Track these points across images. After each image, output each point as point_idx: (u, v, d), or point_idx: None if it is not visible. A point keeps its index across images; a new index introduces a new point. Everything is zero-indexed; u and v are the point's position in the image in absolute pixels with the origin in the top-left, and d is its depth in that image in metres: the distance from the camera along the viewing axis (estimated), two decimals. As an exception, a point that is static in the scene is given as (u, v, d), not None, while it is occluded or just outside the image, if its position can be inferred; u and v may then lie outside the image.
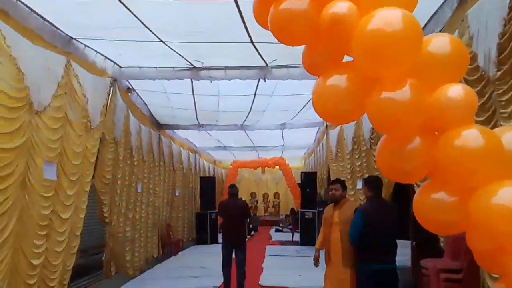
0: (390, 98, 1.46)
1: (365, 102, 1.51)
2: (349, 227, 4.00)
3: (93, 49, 5.26)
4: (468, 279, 3.78)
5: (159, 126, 9.37)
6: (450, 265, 4.00)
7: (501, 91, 3.07)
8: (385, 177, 5.98)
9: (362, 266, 3.95)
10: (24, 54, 3.87)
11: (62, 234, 4.73)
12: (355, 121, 7.66)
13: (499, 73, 3.07)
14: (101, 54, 5.47)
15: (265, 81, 6.04)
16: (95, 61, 5.47)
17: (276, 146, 14.10)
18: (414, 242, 5.66)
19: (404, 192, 5.61)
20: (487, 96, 3.20)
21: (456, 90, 1.47)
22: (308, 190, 11.73)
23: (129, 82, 6.71)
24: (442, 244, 4.57)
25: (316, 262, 4.58)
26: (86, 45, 5.11)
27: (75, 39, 4.87)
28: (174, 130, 10.38)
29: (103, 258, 6.56)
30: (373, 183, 4.11)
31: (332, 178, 9.98)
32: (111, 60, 5.72)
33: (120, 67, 5.94)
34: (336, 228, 4.23)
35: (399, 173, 1.62)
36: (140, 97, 7.53)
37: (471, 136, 1.43)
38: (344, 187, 4.51)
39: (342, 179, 5.28)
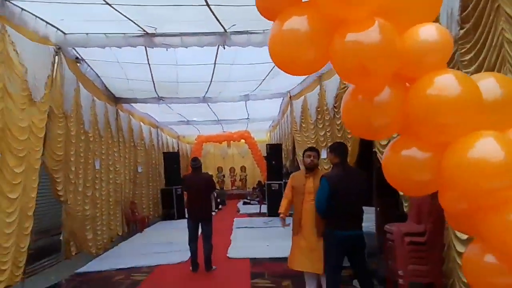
0: (357, 41, 1.25)
1: (329, 47, 1.30)
2: None
3: (31, 13, 4.71)
4: (431, 241, 3.81)
5: (115, 100, 8.86)
6: (414, 228, 4.01)
7: (463, 50, 3.01)
8: (349, 144, 5.96)
9: (329, 233, 3.89)
10: None
11: (11, 215, 4.42)
12: (319, 90, 7.55)
13: (461, 31, 3.00)
14: (41, 19, 4.93)
15: (224, 48, 5.71)
16: (36, 27, 4.93)
17: (241, 119, 13.85)
18: (378, 208, 5.71)
19: (367, 160, 5.60)
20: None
21: (429, 31, 1.29)
22: (273, 162, 11.70)
23: (77, 52, 6.17)
24: (406, 209, 4.61)
25: (285, 224, 4.48)
26: (22, 9, 4.56)
27: (8, 1, 4.32)
28: (132, 104, 9.88)
29: (61, 238, 6.22)
30: (338, 149, 4.01)
31: (297, 149, 9.96)
32: (53, 26, 5.18)
33: (65, 33, 5.40)
34: (309, 197, 4.14)
35: (366, 129, 1.44)
36: (92, 69, 7.00)
37: (446, 82, 1.26)
38: (319, 156, 4.41)
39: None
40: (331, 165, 4.27)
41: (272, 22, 1.43)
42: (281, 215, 4.49)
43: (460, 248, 2.98)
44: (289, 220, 4.48)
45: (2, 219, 4.26)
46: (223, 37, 5.55)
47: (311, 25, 1.35)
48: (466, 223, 1.38)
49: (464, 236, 2.82)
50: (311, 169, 4.26)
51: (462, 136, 1.25)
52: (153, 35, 5.46)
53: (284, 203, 4.48)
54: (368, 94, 1.34)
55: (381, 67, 1.28)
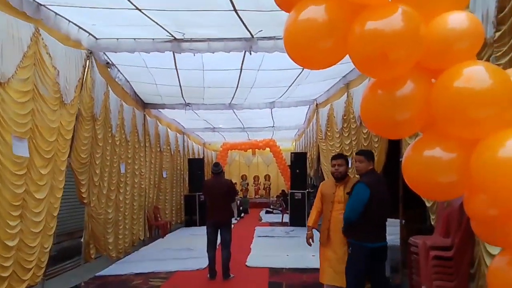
0: (377, 29, 1.17)
1: (347, 36, 1.23)
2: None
3: (65, 18, 4.87)
4: (459, 256, 3.60)
5: (144, 105, 9.04)
6: (440, 242, 3.81)
7: (499, 53, 2.87)
8: (376, 153, 5.77)
9: (358, 245, 3.61)
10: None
11: (38, 214, 4.51)
12: (346, 98, 7.42)
13: (497, 34, 2.86)
14: (74, 24, 5.09)
15: (250, 53, 5.71)
16: (69, 31, 5.08)
17: (266, 127, 13.85)
18: (403, 221, 5.49)
19: (393, 170, 5.41)
20: (484, 59, 2.97)
21: (458, 18, 1.20)
22: (298, 171, 11.55)
23: (107, 57, 6.34)
24: (433, 222, 4.40)
25: (311, 241, 4.23)
26: (56, 13, 4.73)
27: (44, 5, 4.49)
28: (160, 110, 10.04)
29: (82, 240, 6.30)
30: (371, 155, 3.83)
31: (321, 158, 9.80)
32: (85, 31, 5.33)
33: (96, 38, 5.55)
34: (338, 207, 3.94)
35: (388, 125, 1.33)
36: (122, 74, 7.17)
37: (476, 73, 1.15)
38: (347, 163, 4.13)
39: (345, 154, 4.90)
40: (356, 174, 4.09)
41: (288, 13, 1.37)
42: (308, 231, 4.22)
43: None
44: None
45: (30, 218, 4.33)
46: (250, 43, 5.55)
47: (328, 13, 1.27)
48: (495, 232, 1.25)
49: (496, 251, 2.63)
50: (339, 178, 4.04)
51: (493, 133, 1.14)
52: (181, 40, 5.53)
53: (313, 214, 4.25)
54: (389, 87, 1.25)
55: (403, 55, 1.18)
